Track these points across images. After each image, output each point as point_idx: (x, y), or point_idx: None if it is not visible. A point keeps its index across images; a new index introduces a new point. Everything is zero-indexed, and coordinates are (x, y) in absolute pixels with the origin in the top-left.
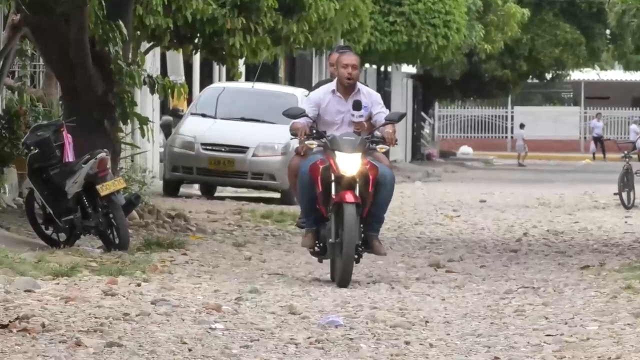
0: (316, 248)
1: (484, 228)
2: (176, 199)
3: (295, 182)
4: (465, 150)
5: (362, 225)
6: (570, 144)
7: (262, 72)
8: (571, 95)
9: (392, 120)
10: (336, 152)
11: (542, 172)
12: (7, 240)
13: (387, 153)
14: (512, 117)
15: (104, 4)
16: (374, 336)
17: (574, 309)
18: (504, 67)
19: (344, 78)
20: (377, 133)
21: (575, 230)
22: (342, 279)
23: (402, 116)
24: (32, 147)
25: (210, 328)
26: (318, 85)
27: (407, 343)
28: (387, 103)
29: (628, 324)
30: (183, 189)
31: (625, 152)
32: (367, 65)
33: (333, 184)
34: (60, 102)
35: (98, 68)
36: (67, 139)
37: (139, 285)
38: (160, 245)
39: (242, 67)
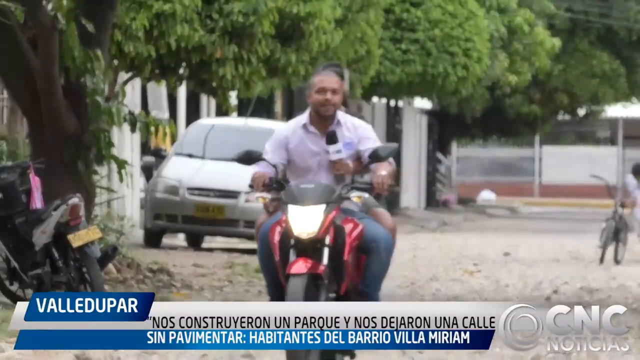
0: None
1: (508, 285)
2: (159, 250)
3: None
4: (486, 196)
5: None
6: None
7: (256, 107)
8: (608, 134)
9: (377, 157)
10: (289, 206)
11: (575, 221)
12: None
13: (394, 198)
14: (540, 158)
15: (87, 27)
16: None
17: None
18: (531, 102)
19: (320, 105)
20: (365, 177)
21: (612, 288)
22: None
23: (392, 151)
24: None
25: None
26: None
27: None
28: (399, 141)
29: None
30: (166, 240)
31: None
32: (375, 99)
33: (292, 250)
34: (27, 140)
35: (70, 102)
36: (35, 182)
37: (115, 350)
38: None
39: (234, 100)
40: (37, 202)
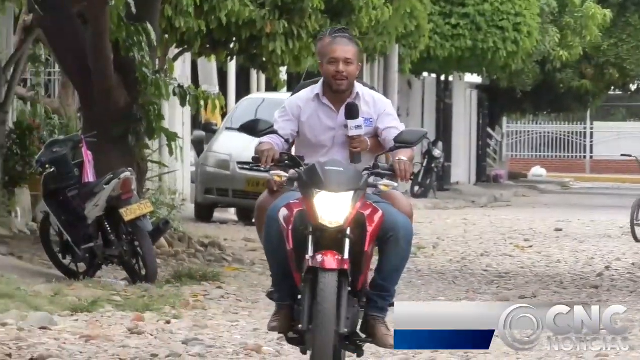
0: (291, 333)
1: (560, 260)
2: (210, 224)
3: (262, 231)
4: (537, 171)
5: (361, 302)
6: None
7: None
8: None
9: (405, 143)
10: (314, 190)
11: (627, 197)
12: (20, 271)
13: (445, 174)
14: (592, 134)
15: (131, 2)
16: None
17: None
18: (582, 77)
19: (332, 78)
20: (382, 162)
21: None
22: None
23: (422, 137)
24: (47, 166)
25: None
26: (301, 89)
27: None
28: (449, 117)
29: None
30: (217, 214)
31: None
32: (425, 74)
33: (310, 239)
34: (79, 114)
35: (121, 76)
36: (87, 156)
37: (168, 322)
38: (192, 277)
39: (284, 75)
40: (90, 176)
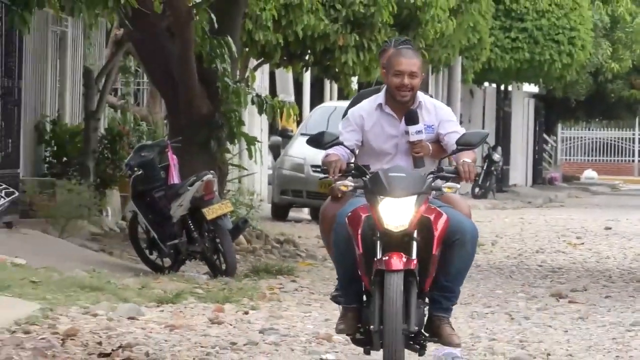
0: (358, 335)
1: (609, 257)
2: (285, 223)
3: (329, 237)
4: (589, 174)
5: (426, 302)
6: None
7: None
8: None
9: (468, 145)
10: (378, 197)
11: None
12: (110, 266)
13: (503, 176)
14: (639, 140)
15: (214, 17)
16: None
17: None
18: (631, 87)
19: (397, 91)
20: (446, 165)
21: None
22: None
23: (483, 138)
24: (135, 169)
25: (321, 359)
26: (360, 97)
27: None
28: (507, 123)
29: None
30: (292, 213)
31: None
32: (486, 84)
33: (378, 243)
34: (165, 121)
35: (204, 86)
36: (173, 160)
37: (246, 313)
38: (269, 271)
39: (355, 85)
40: (175, 178)
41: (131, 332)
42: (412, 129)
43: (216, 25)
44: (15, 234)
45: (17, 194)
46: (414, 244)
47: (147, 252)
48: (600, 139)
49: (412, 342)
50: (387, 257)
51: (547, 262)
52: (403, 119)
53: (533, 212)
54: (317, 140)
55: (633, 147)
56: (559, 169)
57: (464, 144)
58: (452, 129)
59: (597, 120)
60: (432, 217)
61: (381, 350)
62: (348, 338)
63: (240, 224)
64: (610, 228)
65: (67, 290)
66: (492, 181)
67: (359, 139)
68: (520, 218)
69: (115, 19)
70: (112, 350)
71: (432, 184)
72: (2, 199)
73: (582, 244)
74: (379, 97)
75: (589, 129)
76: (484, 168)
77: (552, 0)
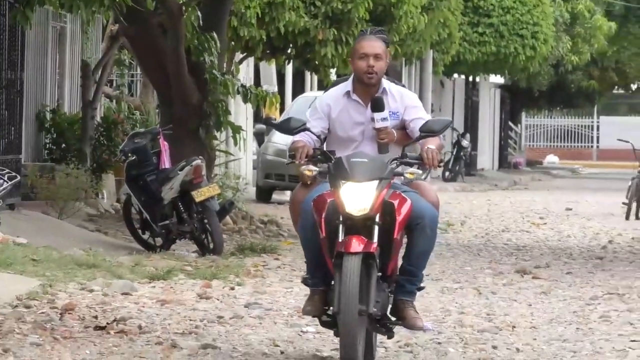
0: (325, 317)
1: (570, 235)
2: (268, 205)
3: (298, 222)
4: (551, 159)
5: (391, 287)
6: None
7: None
8: None
9: (431, 131)
10: (341, 182)
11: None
12: (105, 245)
13: (471, 161)
14: (598, 127)
15: (199, 14)
16: (462, 341)
17: None
18: (590, 78)
19: (363, 73)
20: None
21: None
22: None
23: (446, 125)
24: (129, 154)
25: (302, 331)
26: (335, 84)
27: (494, 347)
28: (475, 112)
29: None
30: (275, 196)
31: None
32: (455, 75)
33: (340, 227)
34: (157, 110)
35: (193, 77)
36: (164, 146)
37: (232, 288)
38: (253, 250)
39: (333, 76)
40: (166, 163)
41: (125, 306)
42: (378, 115)
43: (201, 23)
44: (17, 215)
45: (19, 178)
46: (376, 228)
47: (140, 232)
48: (561, 126)
49: (378, 325)
50: (346, 240)
51: (512, 240)
52: (369, 105)
53: (499, 194)
54: (284, 127)
55: (592, 133)
56: (523, 154)
57: (427, 131)
58: (417, 115)
59: (558, 108)
60: (396, 202)
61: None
62: (317, 320)
63: (227, 206)
64: (570, 209)
65: (66, 267)
66: (461, 165)
67: (325, 126)
68: (487, 200)
69: (111, 16)
70: (107, 323)
71: (396, 169)
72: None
73: (545, 223)
74: (347, 85)
75: (550, 117)
76: (454, 153)
77: None
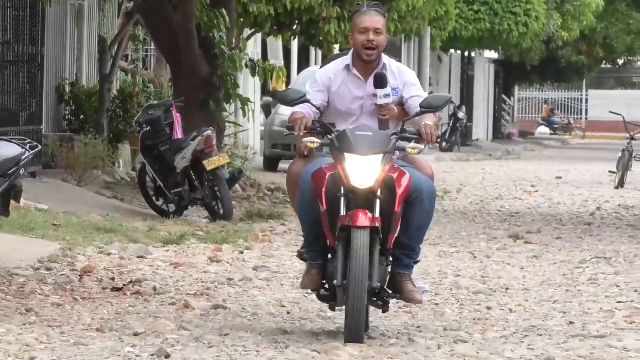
0: (322, 291)
1: (560, 203)
2: (275, 173)
3: (295, 195)
4: (542, 130)
5: (389, 260)
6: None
7: None
8: None
9: (431, 108)
10: (345, 154)
11: (615, 151)
12: (122, 211)
13: (467, 132)
14: (587, 99)
15: None
16: (458, 302)
17: None
18: (579, 54)
19: (362, 48)
20: (410, 127)
21: None
22: (348, 335)
23: (447, 101)
24: (144, 125)
25: (307, 293)
26: (332, 59)
27: (488, 308)
28: (471, 86)
29: None
30: (282, 165)
31: (632, 133)
32: (452, 51)
33: (342, 200)
34: (170, 83)
35: (203, 52)
36: (177, 117)
37: (241, 252)
38: (261, 216)
39: (336, 52)
40: (178, 134)
41: (140, 269)
42: (381, 92)
43: (208, 0)
44: (38, 182)
45: (40, 147)
46: (377, 202)
47: (154, 199)
48: (552, 99)
49: (375, 299)
50: (353, 214)
51: (505, 207)
52: (369, 80)
53: (493, 163)
54: (284, 98)
55: (581, 106)
56: (516, 125)
57: (427, 107)
58: (416, 92)
59: (549, 82)
60: (395, 175)
61: (341, 305)
62: (314, 294)
63: (236, 174)
64: (560, 177)
65: (84, 232)
66: (457, 136)
67: (324, 99)
68: (482, 169)
69: None
70: (124, 285)
71: (397, 144)
72: (27, 152)
73: (536, 191)
74: (347, 59)
75: (542, 91)
76: (450, 125)
77: None
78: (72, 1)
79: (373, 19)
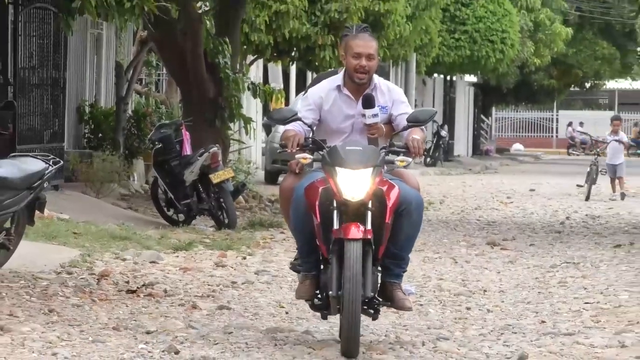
0: (316, 300)
1: (533, 213)
2: (276, 186)
3: (288, 210)
4: (517, 147)
5: (378, 270)
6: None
7: None
8: (607, 102)
9: (417, 121)
10: (337, 169)
11: (583, 166)
12: (136, 220)
13: (449, 148)
14: (557, 119)
15: (212, 22)
16: (440, 303)
17: (608, 281)
18: (550, 78)
19: (355, 72)
20: (398, 142)
21: (609, 215)
22: (345, 347)
23: (432, 115)
24: (156, 143)
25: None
26: (319, 79)
27: (468, 309)
28: (453, 107)
29: None
30: (281, 178)
31: (598, 149)
32: (435, 75)
33: (335, 213)
34: (180, 104)
35: (210, 76)
36: (186, 135)
37: (244, 258)
38: (262, 225)
39: None
40: (187, 150)
41: (152, 273)
42: (369, 112)
43: (214, 30)
44: (60, 195)
45: (62, 162)
46: (369, 214)
47: (165, 209)
48: (526, 118)
49: (366, 307)
50: (346, 227)
51: (483, 217)
52: (360, 100)
53: (473, 177)
54: (277, 117)
55: (552, 125)
56: (493, 142)
57: (414, 121)
58: (404, 110)
59: (523, 103)
60: (385, 188)
61: (338, 314)
62: (307, 304)
63: (239, 187)
64: (533, 190)
65: (102, 239)
66: (440, 152)
67: (316, 117)
68: (463, 182)
69: (141, 23)
70: (137, 287)
71: (386, 157)
72: (51, 167)
73: (512, 202)
74: (338, 79)
75: (517, 111)
76: (434, 142)
77: (487, 8)
78: (91, 30)
79: (367, 44)
